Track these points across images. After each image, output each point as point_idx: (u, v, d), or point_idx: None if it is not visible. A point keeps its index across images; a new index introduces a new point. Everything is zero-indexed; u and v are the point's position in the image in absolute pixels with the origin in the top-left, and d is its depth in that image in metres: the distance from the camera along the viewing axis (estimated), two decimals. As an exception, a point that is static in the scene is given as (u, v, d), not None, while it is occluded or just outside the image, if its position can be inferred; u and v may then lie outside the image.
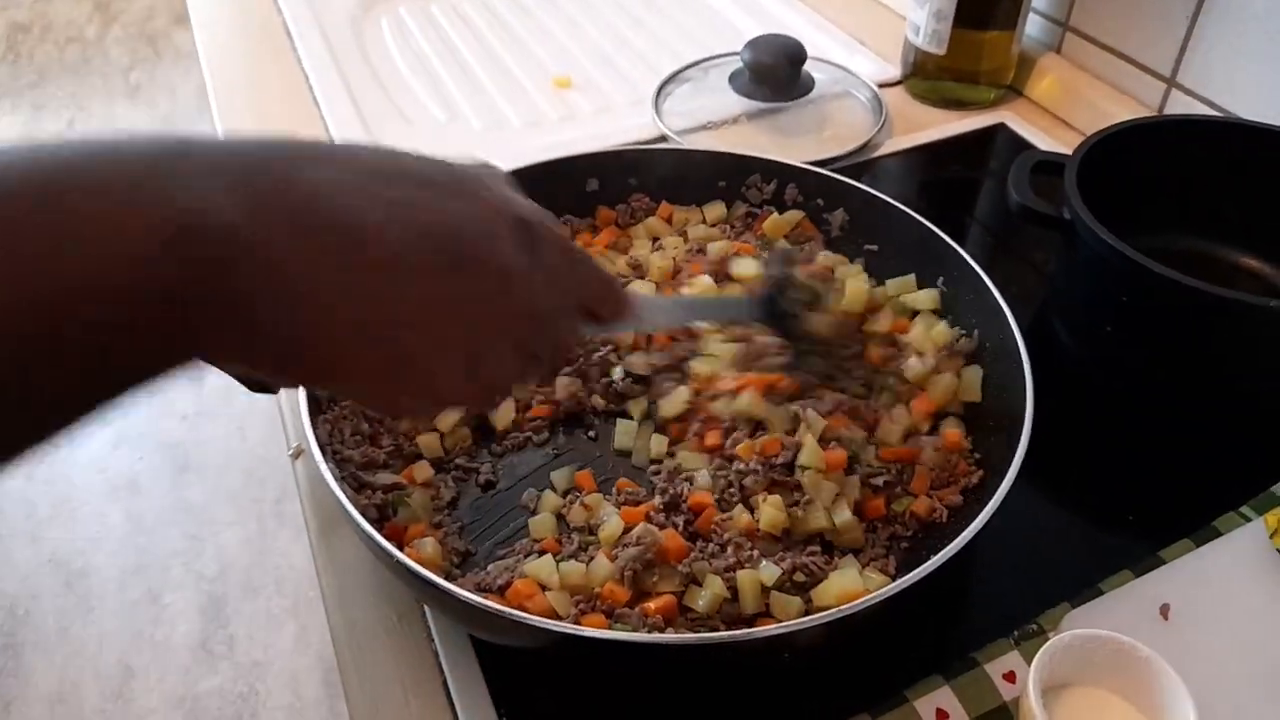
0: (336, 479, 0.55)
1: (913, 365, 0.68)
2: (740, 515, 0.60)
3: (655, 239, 0.81)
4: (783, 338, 0.65)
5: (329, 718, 1.72)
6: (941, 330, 0.71)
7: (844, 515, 0.60)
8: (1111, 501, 0.67)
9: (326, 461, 0.56)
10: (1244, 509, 0.63)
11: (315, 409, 0.61)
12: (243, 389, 0.64)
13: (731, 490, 0.62)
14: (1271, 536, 0.61)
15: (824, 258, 0.78)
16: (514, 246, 0.39)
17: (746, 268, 0.75)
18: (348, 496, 0.54)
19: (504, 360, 0.40)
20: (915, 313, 0.74)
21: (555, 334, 0.43)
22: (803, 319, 0.64)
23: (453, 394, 0.40)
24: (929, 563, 0.50)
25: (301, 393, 0.60)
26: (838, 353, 0.67)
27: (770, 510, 0.59)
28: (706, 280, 0.74)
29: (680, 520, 0.60)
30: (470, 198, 0.39)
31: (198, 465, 2.16)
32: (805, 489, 0.61)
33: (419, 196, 0.37)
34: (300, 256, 0.33)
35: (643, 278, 0.77)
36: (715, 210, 0.82)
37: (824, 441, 0.63)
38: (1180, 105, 0.94)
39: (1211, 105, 0.91)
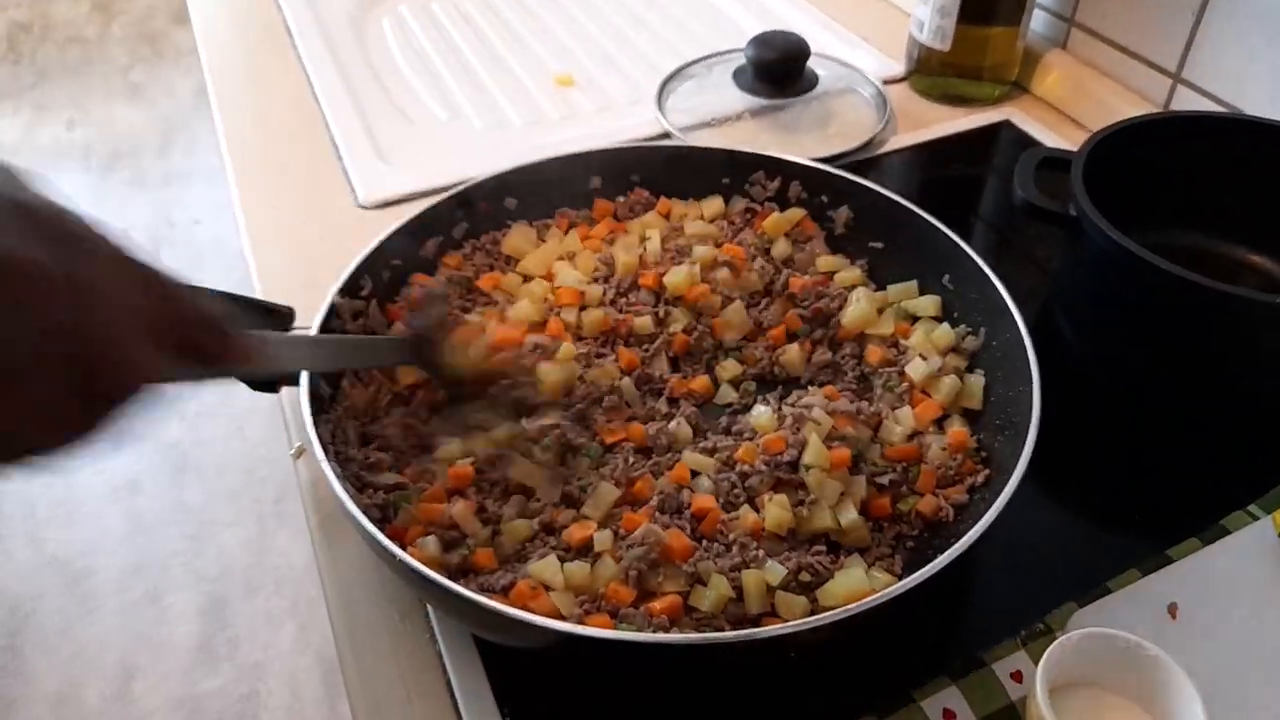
0: (339, 478, 0.55)
1: (917, 366, 0.68)
2: (746, 515, 0.59)
3: (643, 237, 0.80)
4: (436, 379, 0.64)
5: (330, 718, 1.71)
6: (943, 333, 0.70)
7: (850, 515, 0.59)
8: (1118, 500, 0.66)
9: (329, 461, 0.56)
10: (1252, 507, 0.63)
11: (318, 408, 0.61)
12: (244, 387, 0.64)
13: (736, 492, 0.61)
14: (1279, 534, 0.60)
15: (824, 261, 0.78)
16: (19, 235, 0.31)
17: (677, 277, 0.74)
18: (350, 496, 0.54)
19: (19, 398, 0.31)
20: (917, 317, 0.73)
21: (116, 366, 0.34)
22: (449, 361, 0.63)
23: None
24: (934, 562, 0.50)
25: (304, 392, 0.60)
26: (490, 394, 0.65)
27: (776, 510, 0.59)
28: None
29: (685, 524, 0.60)
30: None
31: (197, 465, 2.16)
32: (810, 489, 0.60)
33: None
34: None
35: (609, 277, 0.76)
36: (713, 206, 0.82)
37: (828, 441, 0.62)
38: (1186, 101, 0.94)
39: (1217, 101, 0.91)
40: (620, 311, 0.74)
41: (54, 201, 0.33)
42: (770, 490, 0.61)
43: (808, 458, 0.61)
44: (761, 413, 0.66)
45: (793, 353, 0.71)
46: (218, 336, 0.40)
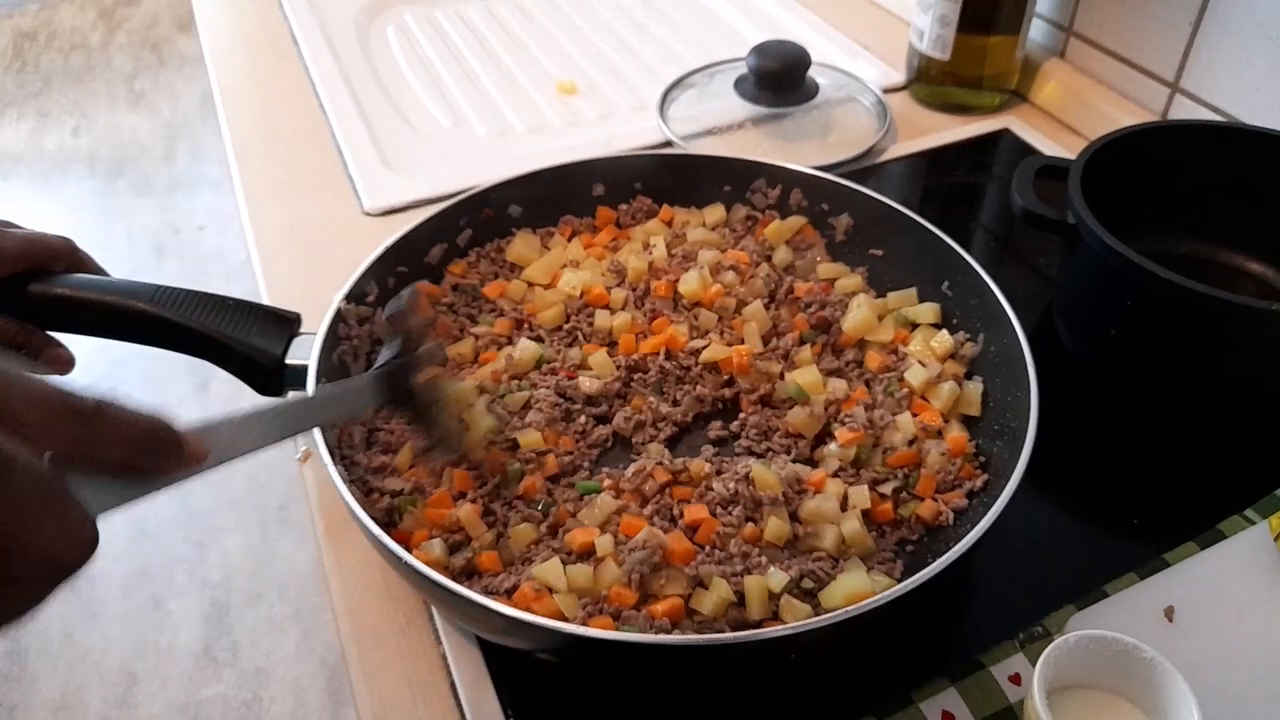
0: (345, 482, 0.55)
1: (916, 372, 0.69)
2: (745, 525, 0.60)
3: (647, 244, 0.81)
4: (414, 418, 0.58)
5: (333, 724, 1.72)
6: (942, 340, 0.71)
7: (852, 525, 0.60)
8: (1116, 504, 0.67)
9: (335, 465, 0.56)
10: (1248, 512, 0.63)
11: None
12: (249, 392, 0.65)
13: (741, 511, 0.61)
14: (1276, 539, 0.61)
15: (825, 268, 0.78)
16: None
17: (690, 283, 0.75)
18: (356, 500, 0.54)
19: None
20: (916, 324, 0.74)
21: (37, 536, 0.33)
22: (428, 389, 0.58)
23: None
24: (933, 565, 0.50)
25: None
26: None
27: (776, 522, 0.59)
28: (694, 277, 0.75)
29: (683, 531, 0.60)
30: None
31: (202, 471, 2.16)
32: (809, 519, 0.61)
33: None
34: None
35: (622, 283, 0.77)
36: (714, 213, 0.83)
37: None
38: (1184, 110, 0.95)
39: (1214, 110, 0.91)
40: (645, 315, 0.74)
41: None
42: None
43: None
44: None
45: (805, 354, 0.72)
46: (158, 449, 0.38)
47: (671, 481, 0.63)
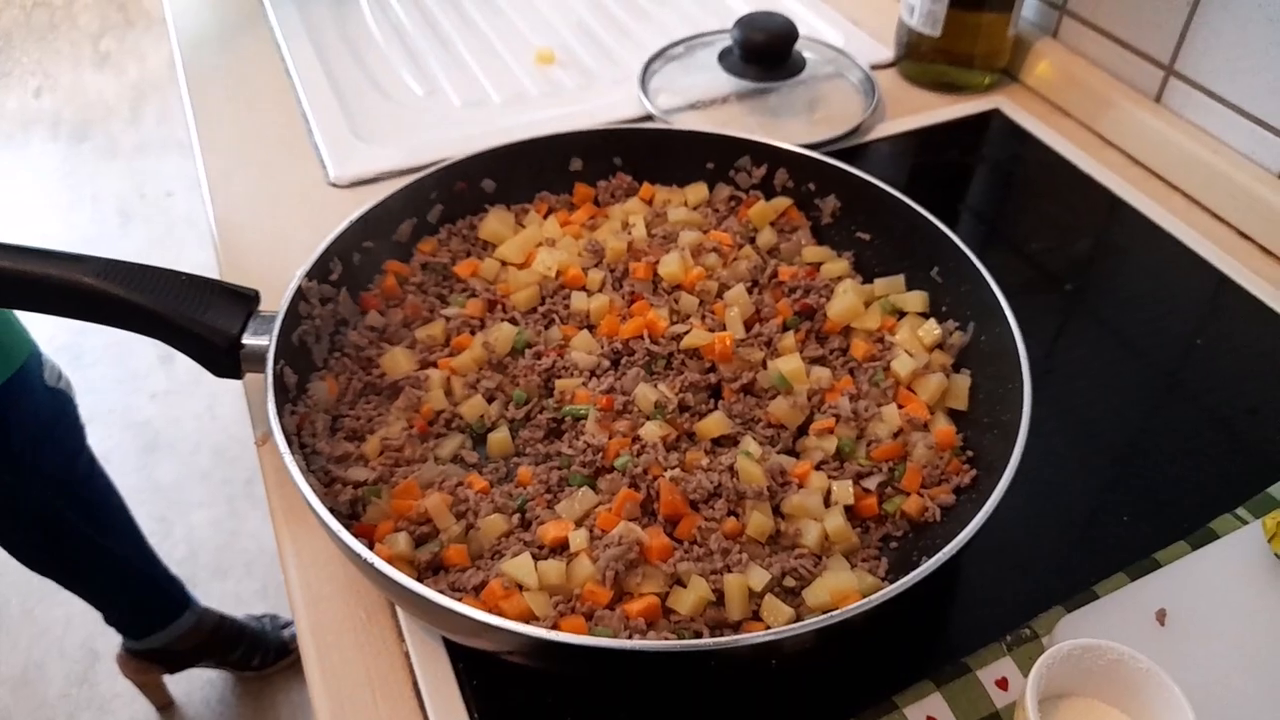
0: (303, 473, 0.52)
1: (903, 362, 0.66)
2: (725, 520, 0.57)
3: (625, 223, 0.77)
4: None
5: (300, 702, 1.69)
6: (929, 329, 0.69)
7: (836, 520, 0.57)
8: (1106, 502, 0.65)
9: (293, 453, 0.53)
10: (1240, 511, 0.62)
11: (283, 397, 0.58)
12: (208, 374, 0.62)
13: (723, 504, 0.59)
14: (1270, 540, 0.59)
15: (810, 252, 0.76)
16: None
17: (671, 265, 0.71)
18: (315, 491, 0.51)
19: None
20: (904, 312, 0.71)
21: None
22: None
23: None
24: (922, 568, 0.48)
25: (269, 380, 0.57)
26: None
27: (759, 517, 0.57)
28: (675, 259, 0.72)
29: (661, 524, 0.58)
30: None
31: (167, 444, 2.12)
32: (792, 515, 0.58)
33: None
34: None
35: (599, 264, 0.74)
36: (697, 192, 0.80)
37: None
38: (1179, 93, 0.92)
39: (1210, 94, 0.89)
40: (624, 298, 0.71)
41: None
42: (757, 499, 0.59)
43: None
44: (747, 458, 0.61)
45: (788, 341, 0.69)
46: None
47: (679, 436, 0.62)
